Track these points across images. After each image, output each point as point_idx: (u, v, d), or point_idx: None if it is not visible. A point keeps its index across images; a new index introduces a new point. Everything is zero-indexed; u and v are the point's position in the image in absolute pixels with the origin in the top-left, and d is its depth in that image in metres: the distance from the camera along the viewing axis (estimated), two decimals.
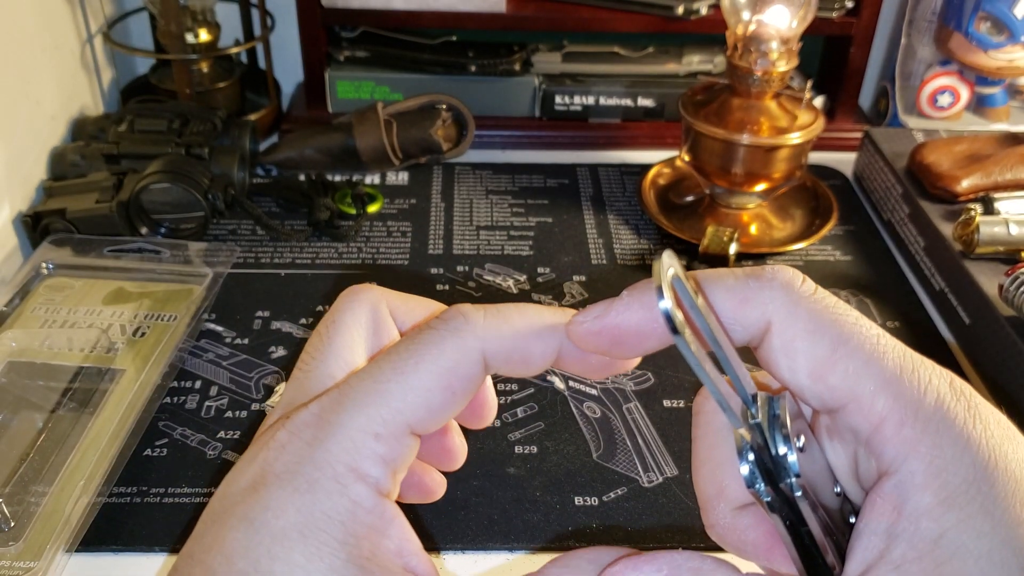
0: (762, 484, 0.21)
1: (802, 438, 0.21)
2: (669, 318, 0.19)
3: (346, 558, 0.21)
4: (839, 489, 0.23)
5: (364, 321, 0.25)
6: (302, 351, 0.25)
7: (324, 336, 0.25)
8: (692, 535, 0.43)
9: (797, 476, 0.20)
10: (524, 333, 0.23)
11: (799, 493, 0.20)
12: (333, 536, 0.21)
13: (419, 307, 0.26)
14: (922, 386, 0.20)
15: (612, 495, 0.44)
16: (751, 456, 0.21)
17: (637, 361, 0.25)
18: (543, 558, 0.42)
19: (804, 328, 0.21)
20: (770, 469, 0.21)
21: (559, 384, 0.51)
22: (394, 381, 0.22)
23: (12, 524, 0.41)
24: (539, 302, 0.57)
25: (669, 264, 0.19)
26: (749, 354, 0.22)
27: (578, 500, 0.44)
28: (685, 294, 0.20)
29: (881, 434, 0.20)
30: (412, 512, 0.43)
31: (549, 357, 0.24)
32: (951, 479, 0.19)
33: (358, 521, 0.21)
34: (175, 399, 0.49)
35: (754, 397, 0.21)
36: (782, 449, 0.20)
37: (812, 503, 0.21)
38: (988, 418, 0.20)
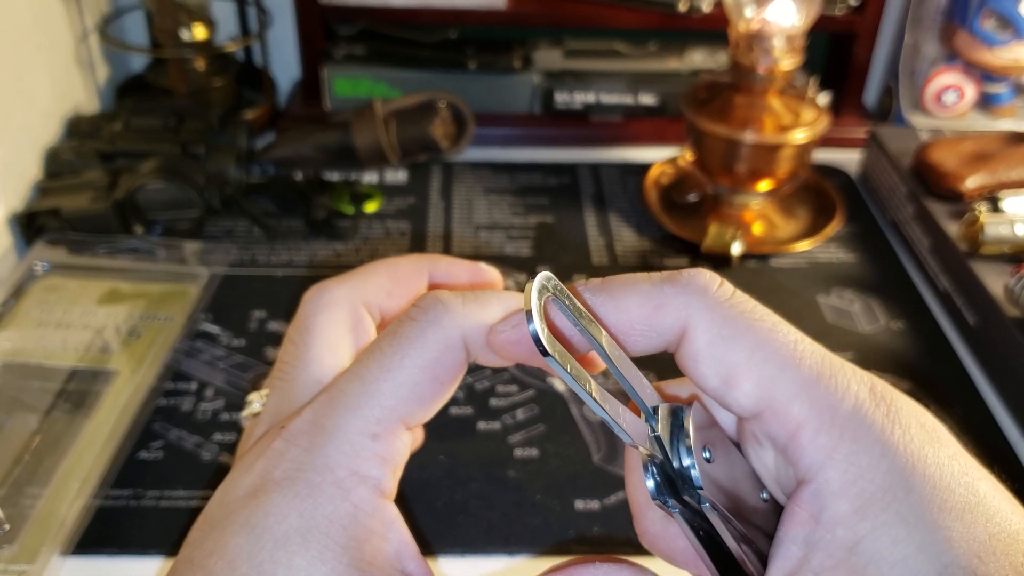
0: (669, 497, 0.21)
1: (707, 450, 0.21)
2: (538, 340, 0.18)
3: (348, 562, 0.21)
4: (766, 495, 0.22)
5: (341, 319, 0.25)
6: (277, 359, 0.25)
7: (299, 343, 0.25)
8: None
9: (700, 488, 0.20)
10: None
11: (706, 504, 0.20)
12: (335, 540, 0.21)
13: (389, 283, 0.26)
14: (839, 391, 0.20)
15: (613, 498, 0.44)
16: (654, 470, 0.21)
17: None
18: (543, 562, 0.41)
19: (719, 334, 0.21)
20: (675, 481, 0.21)
21: (559, 386, 0.50)
22: (382, 379, 0.22)
23: (7, 527, 0.40)
24: None
25: (544, 285, 0.19)
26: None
27: (579, 503, 0.44)
28: (567, 313, 0.20)
29: (797, 441, 0.20)
30: (411, 515, 0.43)
31: None
32: (867, 487, 0.19)
33: (359, 525, 0.21)
34: (170, 401, 0.49)
35: (655, 409, 0.21)
36: (685, 461, 0.20)
37: (723, 514, 0.20)
38: (908, 421, 0.20)
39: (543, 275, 0.20)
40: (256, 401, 0.27)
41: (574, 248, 0.62)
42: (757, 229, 0.64)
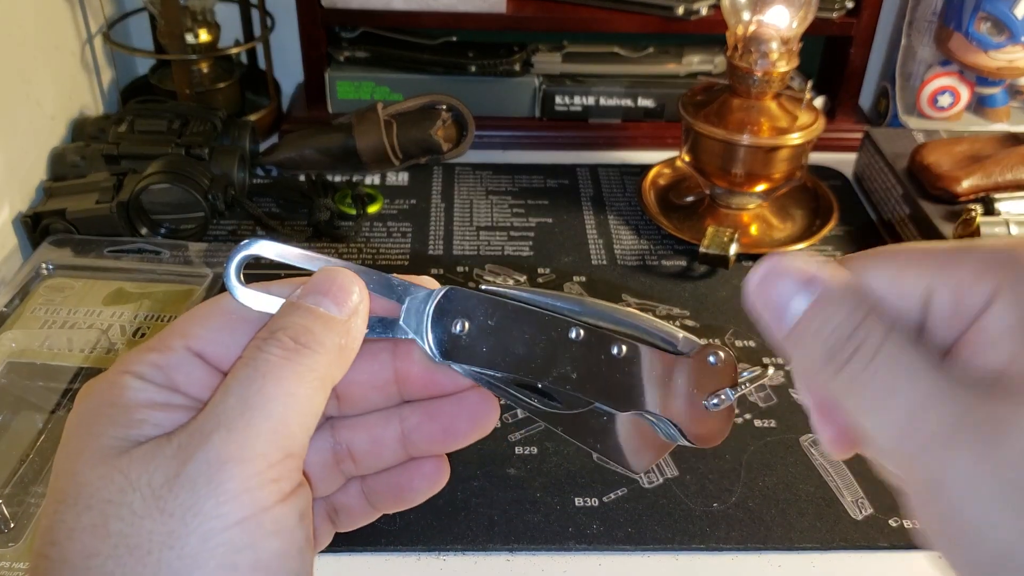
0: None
1: (461, 324, 0.25)
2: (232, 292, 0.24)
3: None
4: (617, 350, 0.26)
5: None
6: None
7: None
8: (692, 536, 0.43)
9: (434, 355, 0.25)
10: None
11: (446, 362, 0.25)
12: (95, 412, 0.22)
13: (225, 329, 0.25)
14: None
15: (612, 496, 0.44)
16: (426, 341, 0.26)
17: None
18: (544, 560, 0.42)
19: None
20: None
21: None
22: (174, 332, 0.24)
23: (12, 525, 0.41)
24: None
25: (241, 254, 0.24)
26: None
27: (578, 501, 0.44)
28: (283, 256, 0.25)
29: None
30: (412, 512, 0.43)
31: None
32: None
33: (111, 402, 0.23)
34: None
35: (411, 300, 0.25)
36: (418, 334, 0.25)
37: (476, 371, 0.26)
38: None
39: (240, 245, 0.24)
40: None
41: (573, 249, 0.63)
42: (754, 230, 0.64)
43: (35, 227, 0.59)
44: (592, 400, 0.26)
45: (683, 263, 0.61)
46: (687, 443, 0.26)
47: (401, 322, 0.25)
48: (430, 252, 0.62)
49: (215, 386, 0.23)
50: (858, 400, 0.19)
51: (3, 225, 0.59)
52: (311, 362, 0.22)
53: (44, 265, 0.56)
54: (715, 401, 0.26)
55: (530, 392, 0.26)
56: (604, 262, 0.62)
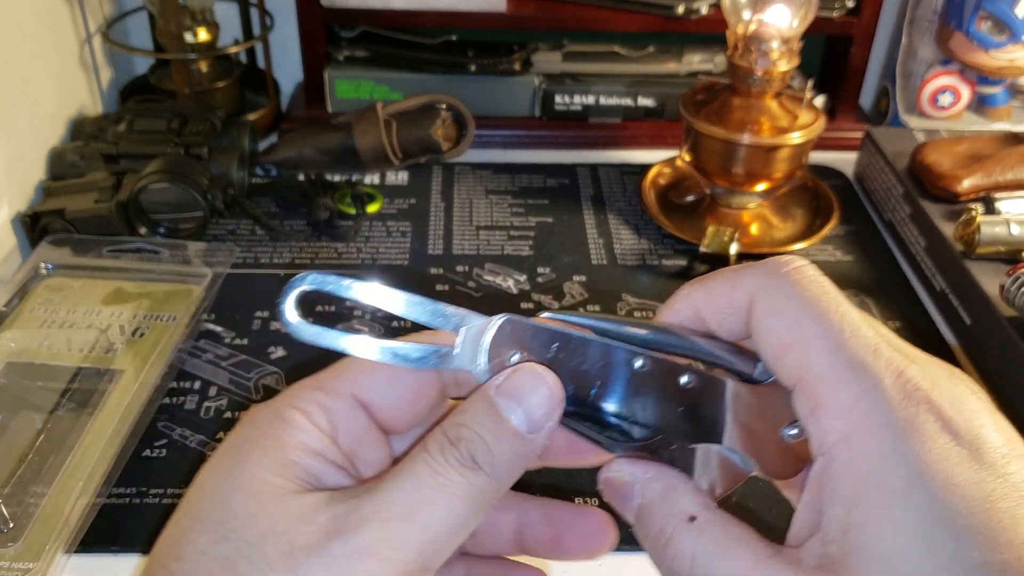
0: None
1: (517, 354, 0.24)
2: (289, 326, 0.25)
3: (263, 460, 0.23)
4: (640, 364, 0.25)
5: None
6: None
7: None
8: None
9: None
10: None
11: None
12: (250, 441, 0.23)
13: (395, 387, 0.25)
14: (867, 385, 0.20)
15: None
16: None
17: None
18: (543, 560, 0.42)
19: (772, 308, 0.22)
20: None
21: None
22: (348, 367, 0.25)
23: (11, 525, 0.41)
24: (539, 302, 0.57)
25: (296, 287, 0.26)
26: None
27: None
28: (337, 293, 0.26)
29: (816, 419, 0.21)
30: None
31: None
32: (869, 477, 0.20)
33: (267, 434, 0.23)
34: (174, 400, 0.49)
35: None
36: (472, 365, 0.24)
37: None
38: (934, 429, 0.20)
39: (296, 277, 0.25)
40: None
41: (573, 248, 0.63)
42: (755, 230, 0.64)
43: (34, 226, 0.59)
44: (658, 433, 0.25)
45: (683, 263, 0.61)
46: (761, 475, 0.25)
47: (455, 352, 0.24)
48: (430, 252, 0.62)
49: (369, 441, 0.24)
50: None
51: (2, 225, 0.59)
52: (483, 484, 0.22)
53: (43, 265, 0.56)
54: (793, 432, 0.24)
55: (593, 424, 0.25)
56: (604, 262, 0.62)
